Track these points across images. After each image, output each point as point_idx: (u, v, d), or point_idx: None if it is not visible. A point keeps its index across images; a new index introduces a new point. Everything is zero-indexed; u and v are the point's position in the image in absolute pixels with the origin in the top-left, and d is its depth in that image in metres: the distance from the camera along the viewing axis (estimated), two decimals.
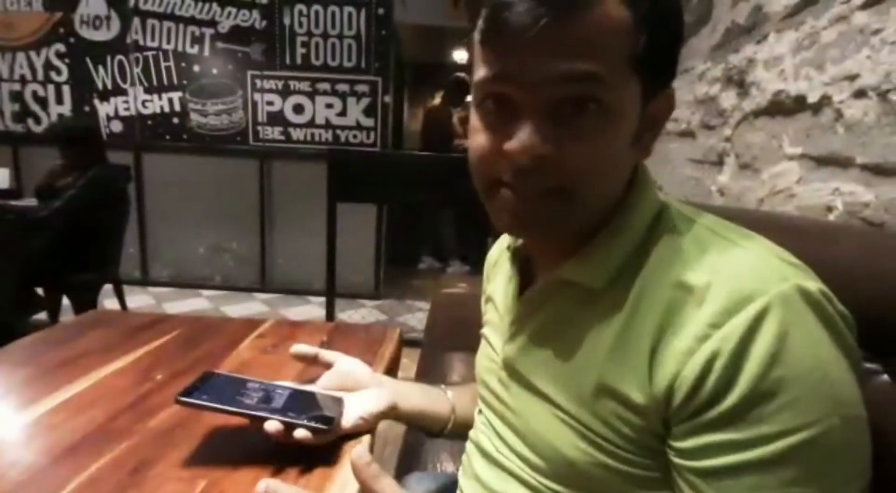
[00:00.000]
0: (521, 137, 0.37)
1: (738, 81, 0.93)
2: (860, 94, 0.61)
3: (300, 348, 0.62)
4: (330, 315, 2.57)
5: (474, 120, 0.42)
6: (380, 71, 3.13)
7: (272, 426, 0.48)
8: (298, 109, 3.18)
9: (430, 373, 1.27)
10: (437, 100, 3.94)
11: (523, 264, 0.51)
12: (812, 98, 0.69)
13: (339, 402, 0.55)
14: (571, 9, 0.34)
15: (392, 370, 0.79)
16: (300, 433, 0.48)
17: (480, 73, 0.39)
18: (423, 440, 0.99)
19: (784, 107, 0.76)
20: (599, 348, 0.40)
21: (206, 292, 3.24)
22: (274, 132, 3.20)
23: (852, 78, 0.62)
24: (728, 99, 0.97)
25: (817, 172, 0.68)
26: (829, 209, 0.65)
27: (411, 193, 2.43)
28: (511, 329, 0.49)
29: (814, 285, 0.34)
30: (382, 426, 0.60)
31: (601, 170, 0.39)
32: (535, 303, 0.47)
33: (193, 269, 3.34)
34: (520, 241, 0.52)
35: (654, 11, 0.37)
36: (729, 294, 0.33)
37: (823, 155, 0.67)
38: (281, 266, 3.33)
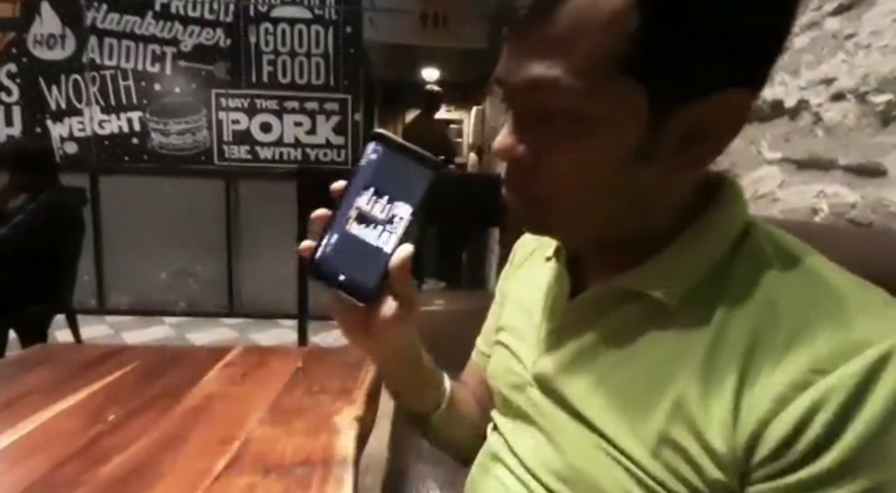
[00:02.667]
0: (499, 137, 0.36)
1: None
2: (838, 97, 0.62)
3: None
4: (303, 339, 2.47)
5: None
6: (349, 89, 3.11)
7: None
8: (266, 127, 3.11)
9: None
10: (419, 113, 3.94)
11: (570, 264, 0.45)
12: (789, 103, 0.69)
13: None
14: (551, 1, 0.30)
15: (373, 396, 0.74)
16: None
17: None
18: (406, 466, 0.93)
19: (760, 112, 0.77)
20: (675, 377, 0.33)
21: (169, 320, 3.08)
22: (240, 151, 3.12)
23: (829, 82, 0.63)
24: None
25: (799, 175, 0.68)
26: (815, 212, 0.65)
27: None
28: (550, 339, 0.43)
29: None
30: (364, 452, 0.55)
31: (578, 184, 0.35)
32: (587, 312, 0.41)
33: (156, 295, 3.17)
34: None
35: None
36: (836, 336, 0.28)
37: (804, 158, 0.68)
38: (249, 290, 3.20)
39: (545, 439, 0.41)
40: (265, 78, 3.08)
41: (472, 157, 4.81)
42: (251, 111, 3.09)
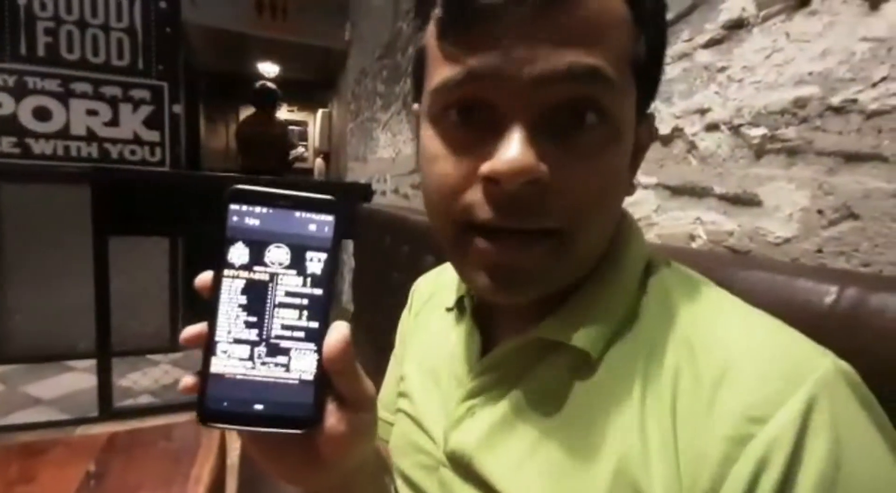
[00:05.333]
0: (510, 153, 0.27)
1: None
2: (712, 127, 0.64)
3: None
4: (105, 384, 1.96)
5: (430, 140, 0.32)
6: (166, 75, 2.60)
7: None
8: (42, 113, 2.41)
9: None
10: (250, 112, 3.52)
11: (478, 317, 0.40)
12: (664, 130, 0.70)
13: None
14: None
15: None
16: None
17: (443, 74, 0.30)
18: None
19: None
20: (612, 438, 0.30)
21: None
22: (2, 143, 2.36)
23: (703, 112, 0.65)
24: None
25: (674, 201, 0.70)
26: (692, 238, 0.67)
27: (213, 221, 2.03)
28: (462, 408, 0.37)
29: (842, 362, 0.28)
30: None
31: (602, 204, 0.31)
32: (504, 371, 0.36)
33: None
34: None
35: (653, 10, 0.32)
36: (763, 380, 0.26)
37: (678, 185, 0.69)
38: (22, 327, 2.44)
39: None
40: (41, 51, 2.39)
41: (319, 163, 4.51)
42: (19, 92, 2.37)
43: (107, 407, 1.97)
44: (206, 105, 4.65)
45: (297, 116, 5.53)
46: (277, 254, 0.28)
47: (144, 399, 2.15)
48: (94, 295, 1.90)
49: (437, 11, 0.30)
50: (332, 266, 0.28)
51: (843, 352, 0.39)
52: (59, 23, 2.41)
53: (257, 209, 0.28)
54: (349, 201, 2.08)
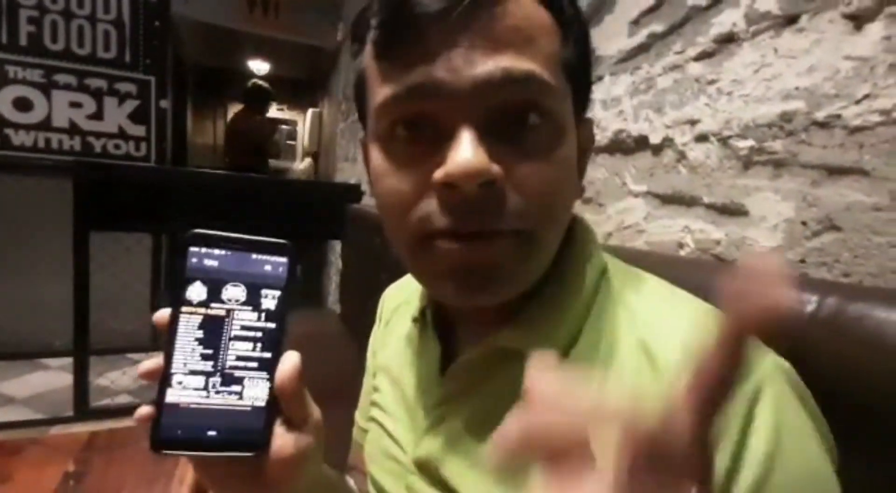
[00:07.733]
0: (462, 155, 0.28)
1: None
2: (702, 138, 0.65)
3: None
4: (81, 383, 1.91)
5: (379, 160, 0.32)
6: (153, 69, 2.56)
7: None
8: (23, 104, 2.35)
9: None
10: (242, 109, 3.49)
11: (441, 329, 0.41)
12: (654, 139, 0.72)
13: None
14: None
15: None
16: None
17: (384, 93, 0.30)
18: None
19: (624, 146, 0.79)
20: None
21: None
22: None
23: (693, 123, 0.66)
24: None
25: (663, 209, 0.71)
26: (681, 246, 0.68)
27: (198, 218, 2.00)
28: (431, 417, 0.38)
29: (781, 359, 0.30)
30: None
31: (557, 200, 0.31)
32: (467, 380, 0.37)
33: None
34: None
35: (573, 15, 0.33)
36: None
37: (668, 193, 0.71)
38: None
39: None
40: (23, 40, 2.33)
41: (308, 162, 4.48)
42: None
43: (83, 407, 1.92)
44: (194, 101, 4.58)
45: (286, 115, 5.48)
46: (234, 292, 0.30)
47: (123, 399, 2.10)
48: (72, 291, 1.86)
49: (371, 34, 0.31)
50: (286, 302, 0.30)
51: (822, 358, 0.40)
52: (44, 12, 2.36)
53: (216, 251, 0.30)
54: (335, 195, 2.08)
